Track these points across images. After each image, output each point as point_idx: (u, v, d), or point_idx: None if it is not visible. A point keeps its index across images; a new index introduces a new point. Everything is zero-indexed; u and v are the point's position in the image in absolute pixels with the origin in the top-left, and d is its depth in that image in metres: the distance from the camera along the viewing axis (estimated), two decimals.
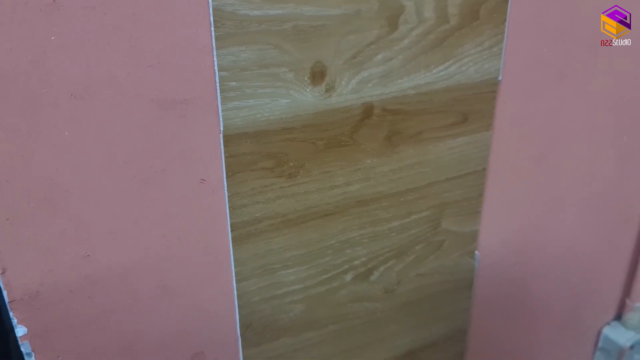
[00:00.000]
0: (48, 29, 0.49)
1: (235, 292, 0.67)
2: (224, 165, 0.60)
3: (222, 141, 0.59)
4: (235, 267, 0.65)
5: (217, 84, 0.57)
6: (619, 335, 1.09)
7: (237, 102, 0.58)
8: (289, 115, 0.62)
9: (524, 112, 0.80)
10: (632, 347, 1.07)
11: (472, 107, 0.74)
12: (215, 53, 0.56)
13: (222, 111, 0.58)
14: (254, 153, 0.61)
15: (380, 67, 0.65)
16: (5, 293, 0.54)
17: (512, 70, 0.75)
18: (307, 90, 0.62)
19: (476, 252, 0.85)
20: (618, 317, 1.13)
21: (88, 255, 0.57)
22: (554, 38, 0.77)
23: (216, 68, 0.56)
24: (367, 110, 0.66)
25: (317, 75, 0.61)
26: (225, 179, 0.61)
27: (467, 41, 0.69)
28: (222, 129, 0.59)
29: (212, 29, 0.55)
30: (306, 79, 0.61)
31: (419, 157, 0.73)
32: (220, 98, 0.57)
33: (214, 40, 0.55)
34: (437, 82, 0.70)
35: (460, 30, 0.68)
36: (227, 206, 0.62)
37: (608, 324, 1.12)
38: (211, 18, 0.54)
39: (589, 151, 0.90)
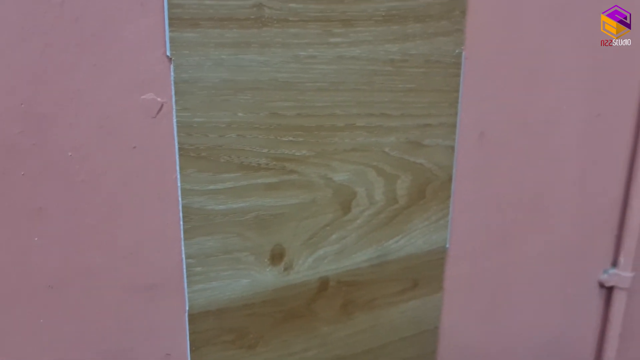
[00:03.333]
0: (32, 231, 0.55)
1: None
2: (188, 341, 0.65)
3: (187, 320, 0.64)
4: None
5: (184, 270, 0.62)
6: None
7: (202, 285, 0.64)
8: (250, 293, 0.67)
9: (471, 272, 0.87)
10: None
11: (422, 274, 0.80)
12: (183, 244, 0.62)
13: (188, 293, 0.63)
14: (216, 328, 0.66)
15: (335, 246, 0.72)
16: None
17: (458, 237, 0.83)
18: (267, 270, 0.68)
19: None
20: None
21: None
22: (496, 206, 0.85)
23: (183, 256, 0.62)
24: (323, 284, 0.72)
25: (277, 256, 0.68)
26: (189, 353, 0.66)
27: (415, 217, 0.77)
28: (187, 308, 0.64)
29: (182, 223, 0.61)
30: (266, 260, 0.67)
31: (373, 321, 0.78)
32: (187, 282, 0.63)
33: (182, 232, 0.62)
34: (388, 254, 0.76)
35: (408, 208, 0.76)
36: None
37: None
38: (180, 214, 0.61)
39: (534, 301, 0.97)
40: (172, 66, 0.56)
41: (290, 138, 0.64)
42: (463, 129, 0.77)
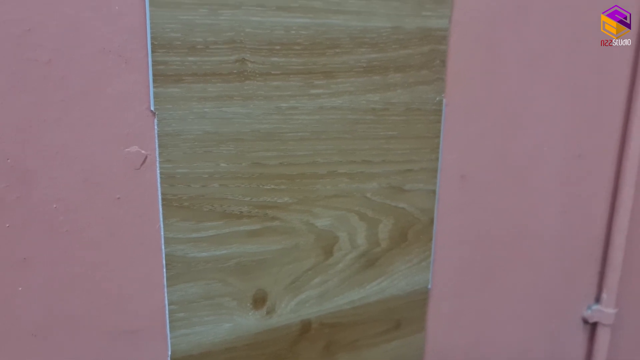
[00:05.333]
0: (16, 280, 0.56)
1: None
2: None
3: None
4: None
5: (167, 316, 0.64)
6: None
7: (184, 330, 0.65)
8: (232, 337, 0.68)
9: (454, 311, 0.88)
10: None
11: (405, 315, 0.82)
12: (166, 290, 0.63)
13: (171, 338, 0.64)
14: None
15: (317, 289, 0.73)
16: None
17: (440, 278, 0.84)
18: (249, 314, 0.69)
19: None
20: None
21: None
22: (478, 246, 0.87)
23: (166, 302, 0.63)
24: (306, 326, 0.73)
25: (259, 301, 0.69)
26: None
27: (397, 260, 0.78)
28: (169, 353, 0.65)
29: (164, 270, 0.63)
30: (248, 305, 0.68)
31: None
32: (169, 327, 0.64)
33: (165, 279, 0.63)
34: (370, 296, 0.77)
35: (390, 251, 0.77)
36: None
37: None
38: (163, 262, 0.62)
39: (518, 337, 0.98)
40: (155, 120, 0.58)
41: (273, 186, 0.66)
42: (444, 173, 0.79)
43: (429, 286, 0.83)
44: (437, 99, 0.74)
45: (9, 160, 0.53)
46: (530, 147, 0.86)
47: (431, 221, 0.80)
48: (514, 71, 0.81)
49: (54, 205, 0.56)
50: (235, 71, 0.60)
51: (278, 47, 0.62)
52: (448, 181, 0.80)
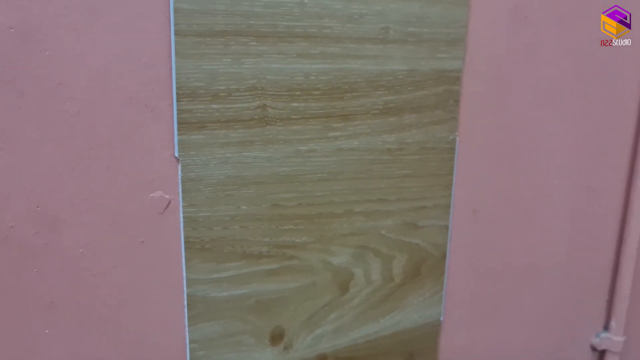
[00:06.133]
0: (43, 324, 0.57)
1: None
2: None
3: None
4: None
5: (188, 355, 0.65)
6: None
7: None
8: None
9: (466, 342, 0.89)
10: None
11: (417, 346, 0.83)
12: (187, 330, 0.64)
13: None
14: None
15: (333, 324, 0.74)
16: None
17: (452, 310, 0.85)
18: (267, 350, 0.70)
19: None
20: None
21: None
22: (489, 277, 0.88)
23: (187, 341, 0.65)
24: None
25: (277, 337, 0.70)
26: None
27: (410, 293, 0.80)
28: None
29: (186, 310, 0.64)
30: (266, 341, 0.70)
31: None
32: None
33: (186, 319, 0.64)
34: (384, 329, 0.79)
35: (404, 286, 0.79)
36: None
37: None
38: (185, 302, 0.64)
39: None
40: (179, 166, 0.59)
41: (291, 226, 0.67)
42: (457, 208, 0.80)
43: (441, 318, 0.84)
44: (451, 137, 0.76)
45: (38, 208, 0.55)
46: (540, 180, 0.88)
47: (443, 255, 0.81)
48: (523, 108, 0.82)
49: (81, 250, 0.58)
50: (256, 117, 0.62)
51: (298, 93, 0.63)
52: (460, 216, 0.81)
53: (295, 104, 0.63)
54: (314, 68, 0.64)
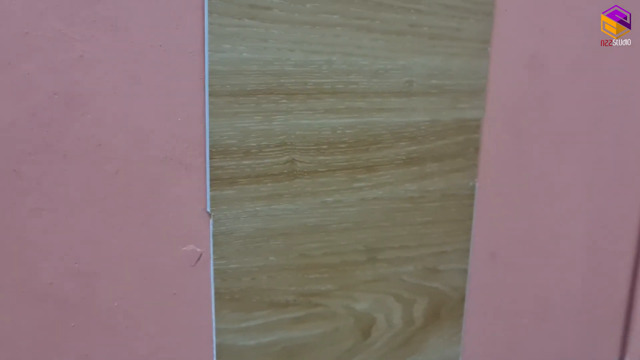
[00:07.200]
0: None
1: None
2: None
3: None
4: None
5: None
6: None
7: None
8: None
9: None
10: None
11: None
12: None
13: None
14: None
15: None
16: None
17: (471, 350, 0.86)
18: None
19: None
20: None
21: None
22: (506, 317, 0.89)
23: None
24: None
25: None
26: None
27: (430, 336, 0.81)
28: None
29: (215, 359, 0.65)
30: None
31: None
32: None
33: None
34: None
35: (424, 328, 0.80)
36: None
37: None
38: (214, 351, 0.65)
39: None
40: (211, 220, 0.61)
41: (317, 275, 0.69)
42: (475, 252, 0.82)
43: (460, 359, 0.85)
44: (470, 184, 0.77)
45: (76, 265, 0.56)
46: (557, 222, 0.89)
47: (462, 298, 0.82)
48: (540, 152, 0.84)
49: (115, 304, 0.59)
50: (285, 171, 0.63)
51: (325, 147, 0.65)
52: (479, 259, 0.82)
53: (322, 157, 0.65)
54: (340, 122, 0.65)
